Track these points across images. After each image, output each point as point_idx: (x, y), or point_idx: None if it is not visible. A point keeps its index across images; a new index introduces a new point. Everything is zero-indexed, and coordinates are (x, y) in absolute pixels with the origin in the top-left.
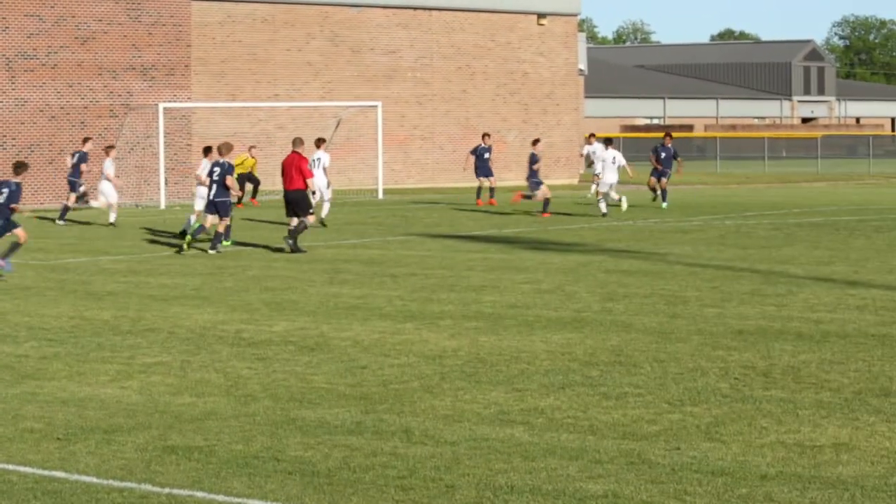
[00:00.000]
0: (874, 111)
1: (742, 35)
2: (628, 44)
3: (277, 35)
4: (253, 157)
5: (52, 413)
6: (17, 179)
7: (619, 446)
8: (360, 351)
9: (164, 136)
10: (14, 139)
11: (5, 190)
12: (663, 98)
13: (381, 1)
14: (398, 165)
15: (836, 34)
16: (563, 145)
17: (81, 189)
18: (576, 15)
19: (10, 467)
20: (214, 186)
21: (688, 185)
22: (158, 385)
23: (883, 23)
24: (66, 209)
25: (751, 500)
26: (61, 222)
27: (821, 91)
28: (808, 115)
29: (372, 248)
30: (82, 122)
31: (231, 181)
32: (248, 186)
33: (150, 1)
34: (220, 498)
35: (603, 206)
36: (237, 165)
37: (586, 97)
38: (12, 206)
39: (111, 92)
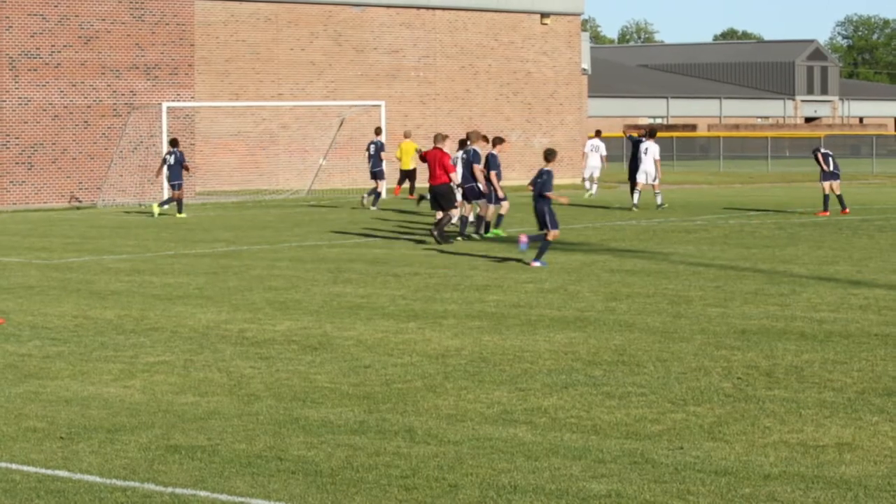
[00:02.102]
0: (877, 111)
1: (745, 35)
2: (631, 43)
3: (281, 34)
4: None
5: (55, 412)
6: (549, 167)
7: (622, 446)
8: (363, 350)
9: (168, 136)
10: (17, 138)
11: (540, 179)
12: (666, 98)
13: (385, 0)
14: None
15: (839, 34)
16: (566, 145)
17: None
18: (579, 14)
19: (13, 466)
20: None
21: (692, 184)
22: (161, 384)
23: (886, 22)
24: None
25: (754, 500)
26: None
27: (824, 91)
28: (811, 114)
29: (375, 247)
30: (85, 122)
31: (478, 169)
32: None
33: (154, 0)
34: (224, 497)
35: (649, 198)
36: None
37: (589, 97)
38: (548, 194)
39: (114, 91)
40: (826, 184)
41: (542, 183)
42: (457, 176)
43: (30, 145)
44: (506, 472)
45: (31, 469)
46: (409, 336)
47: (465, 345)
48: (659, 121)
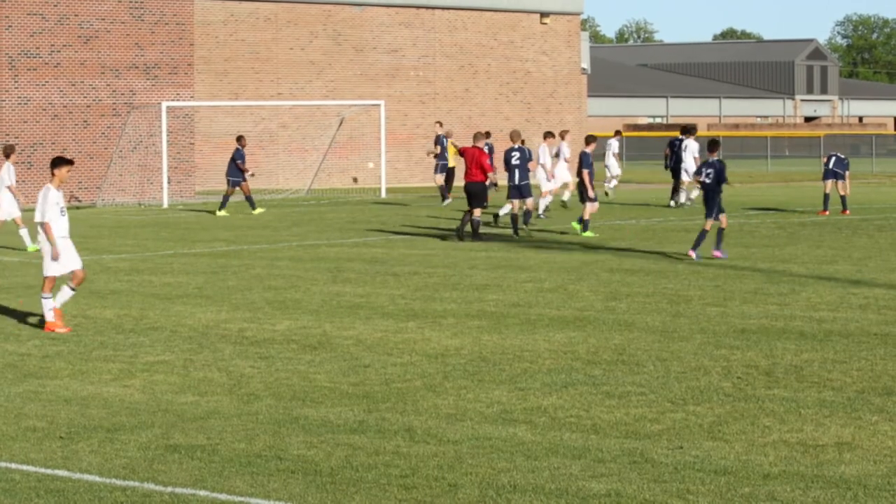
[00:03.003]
0: (877, 110)
1: (745, 34)
2: (631, 43)
3: (280, 34)
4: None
5: (55, 412)
6: (716, 157)
7: (621, 445)
8: (362, 350)
9: (167, 135)
10: (17, 138)
11: (710, 170)
12: (666, 97)
13: (384, 0)
14: (401, 164)
15: (838, 33)
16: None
17: None
18: (578, 14)
19: (13, 466)
20: (517, 171)
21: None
22: (161, 384)
23: (885, 21)
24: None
25: (753, 500)
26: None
27: (823, 90)
28: (810, 114)
29: (375, 246)
30: (85, 121)
31: (533, 166)
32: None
33: (153, 0)
34: (223, 497)
35: (690, 195)
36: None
37: (589, 96)
38: (704, 180)
39: (114, 90)
40: (828, 182)
41: (718, 172)
42: (494, 175)
43: (29, 144)
44: (505, 471)
45: (31, 468)
46: (408, 335)
47: (465, 344)
48: (658, 120)
